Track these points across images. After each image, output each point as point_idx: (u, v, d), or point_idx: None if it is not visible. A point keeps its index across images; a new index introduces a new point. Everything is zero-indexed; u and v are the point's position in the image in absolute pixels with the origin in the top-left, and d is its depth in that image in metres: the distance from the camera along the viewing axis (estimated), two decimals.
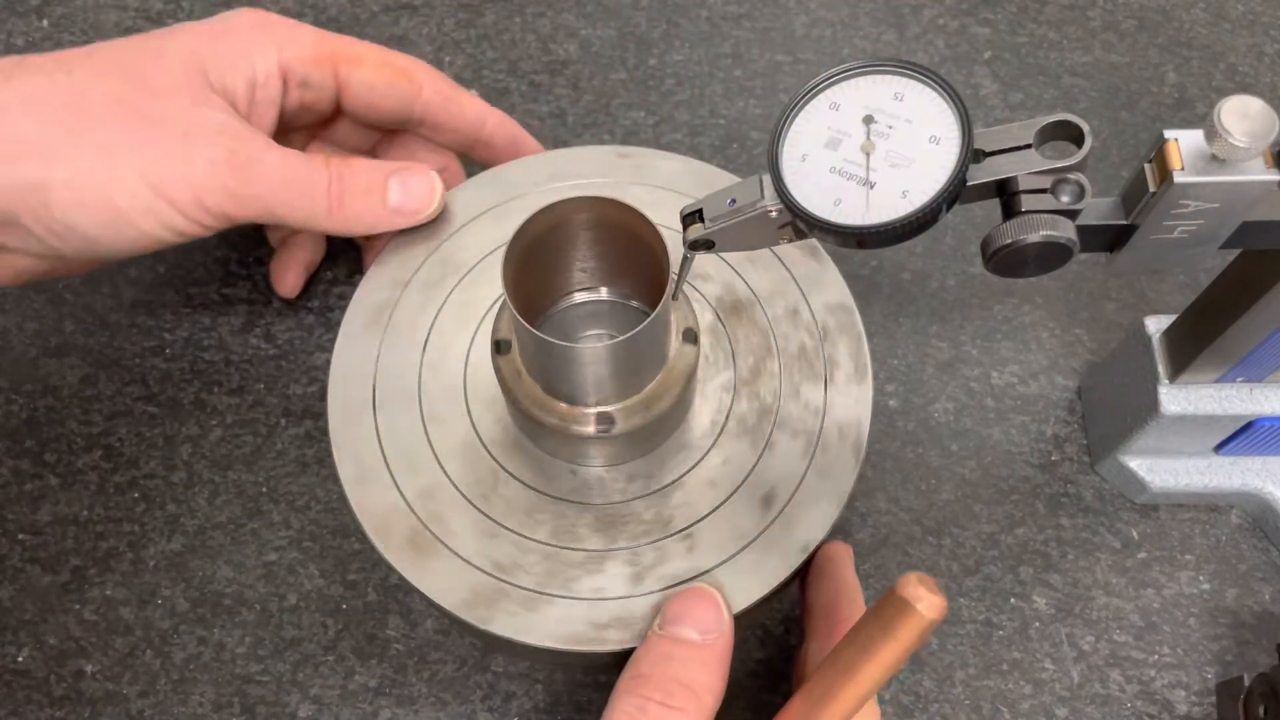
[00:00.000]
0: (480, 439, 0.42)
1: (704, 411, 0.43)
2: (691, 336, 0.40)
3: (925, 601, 0.29)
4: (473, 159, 0.52)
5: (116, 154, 0.40)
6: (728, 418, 0.43)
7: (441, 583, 0.39)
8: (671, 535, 0.41)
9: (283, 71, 0.45)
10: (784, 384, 0.43)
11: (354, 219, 0.44)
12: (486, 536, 0.40)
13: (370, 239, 0.53)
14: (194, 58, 0.43)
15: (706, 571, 0.40)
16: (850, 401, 0.43)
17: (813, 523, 0.41)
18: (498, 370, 0.40)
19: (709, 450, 0.42)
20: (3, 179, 0.39)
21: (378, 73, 0.47)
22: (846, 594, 0.40)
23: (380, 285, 0.45)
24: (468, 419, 0.43)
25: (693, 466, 0.42)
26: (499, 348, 0.40)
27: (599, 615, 0.39)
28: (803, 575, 0.41)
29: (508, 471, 0.42)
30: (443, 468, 0.41)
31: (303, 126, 0.50)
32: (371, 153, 0.54)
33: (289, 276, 0.54)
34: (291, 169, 0.42)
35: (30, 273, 0.44)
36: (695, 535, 0.41)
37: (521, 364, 0.40)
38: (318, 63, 0.46)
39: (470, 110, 0.50)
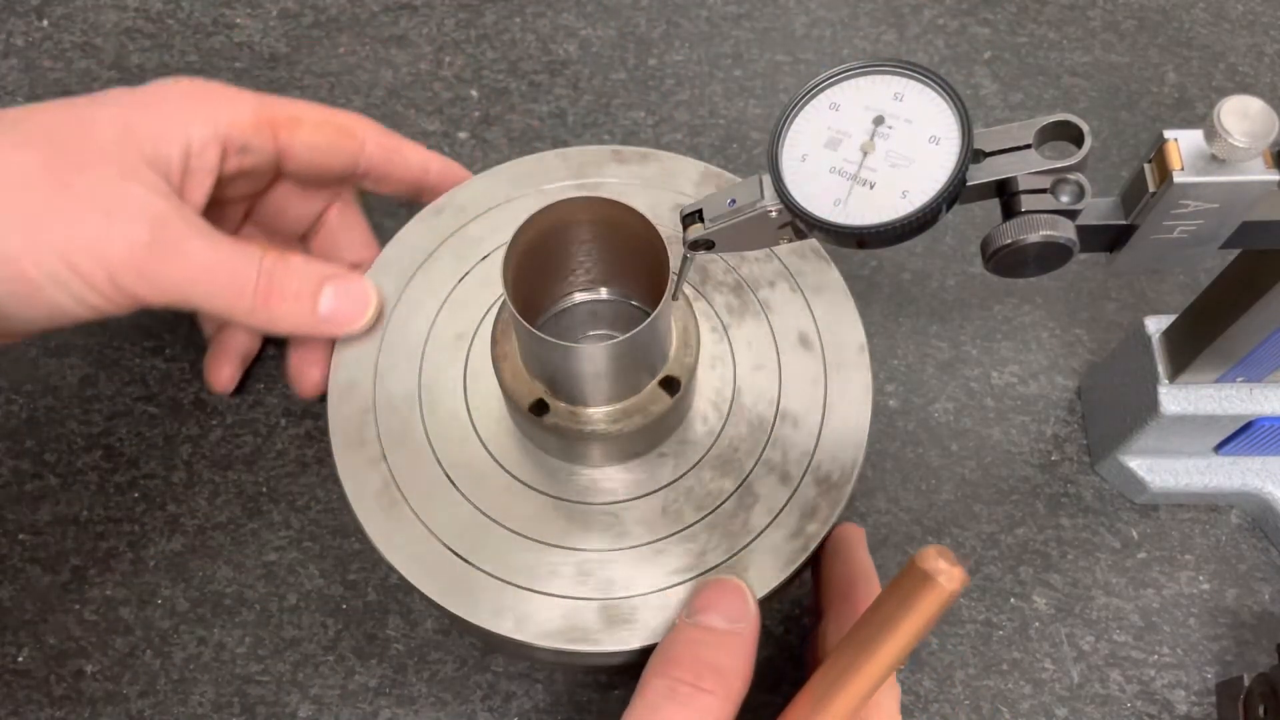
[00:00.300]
0: (571, 502, 0.42)
1: (703, 331, 0.44)
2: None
3: (945, 574, 0.29)
4: (420, 204, 0.51)
5: (34, 226, 0.38)
6: (719, 315, 0.45)
7: (652, 628, 0.39)
8: (775, 425, 0.43)
9: (221, 139, 0.43)
10: (726, 258, 0.46)
11: (278, 320, 0.42)
12: (646, 564, 0.41)
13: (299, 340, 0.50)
14: (126, 128, 0.41)
15: (818, 442, 0.42)
16: None
17: (846, 328, 0.44)
18: (562, 432, 0.40)
19: (731, 348, 0.44)
20: None
21: (319, 132, 0.46)
22: (862, 573, 0.40)
23: (357, 469, 0.42)
24: (542, 498, 0.42)
25: (735, 372, 0.44)
26: (539, 410, 0.40)
27: (792, 521, 0.41)
28: (816, 559, 0.41)
29: (610, 507, 0.42)
30: (569, 547, 0.41)
31: (241, 197, 0.48)
32: (314, 227, 0.51)
33: (224, 371, 0.51)
34: (216, 259, 0.40)
35: None
36: (786, 411, 0.43)
37: (569, 408, 0.40)
38: (257, 128, 0.44)
39: (413, 159, 0.49)
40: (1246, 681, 0.46)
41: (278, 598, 0.50)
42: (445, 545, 0.41)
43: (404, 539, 0.41)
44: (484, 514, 0.41)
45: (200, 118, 0.43)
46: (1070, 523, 0.52)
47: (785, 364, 0.44)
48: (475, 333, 0.45)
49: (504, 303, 0.39)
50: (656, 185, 0.48)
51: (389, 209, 0.59)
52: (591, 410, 0.40)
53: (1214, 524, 0.52)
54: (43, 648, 0.48)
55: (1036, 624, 0.50)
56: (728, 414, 0.43)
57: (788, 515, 0.41)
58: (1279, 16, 0.66)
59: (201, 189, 0.43)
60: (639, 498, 0.42)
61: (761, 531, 0.41)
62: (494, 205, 0.48)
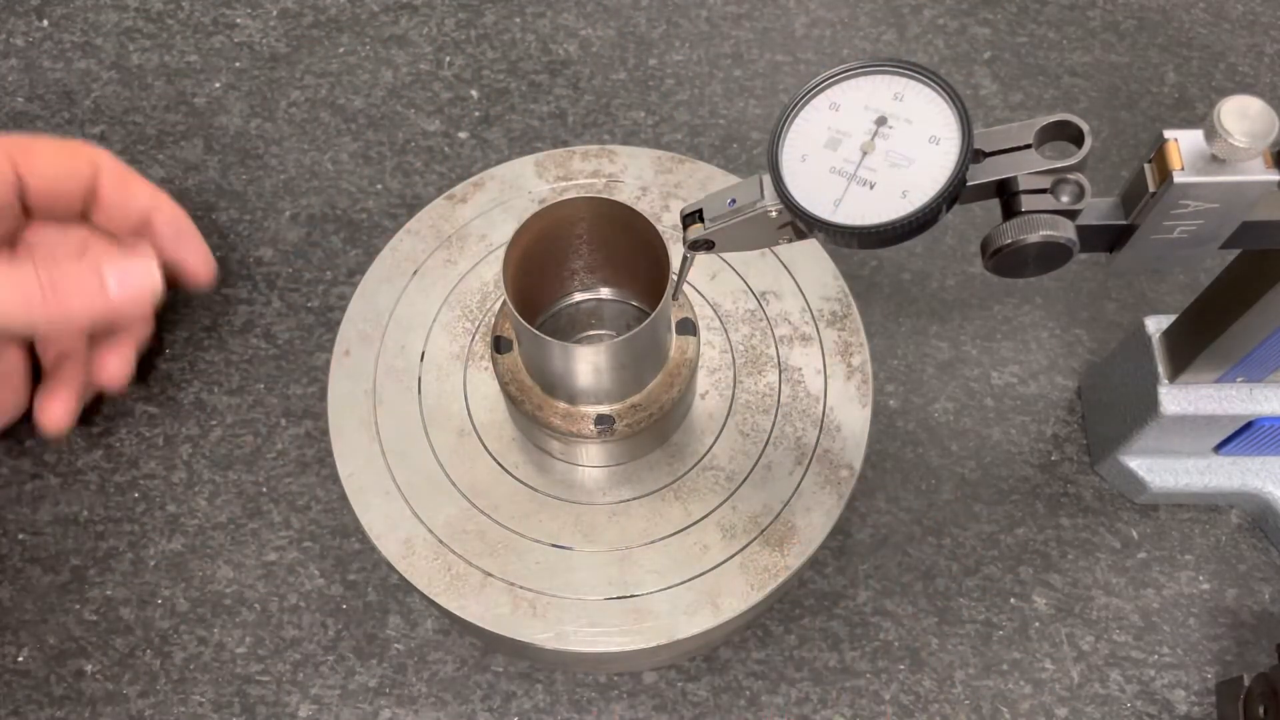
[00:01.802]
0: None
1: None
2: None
3: None
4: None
5: None
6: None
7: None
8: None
9: None
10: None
11: (75, 311, 0.43)
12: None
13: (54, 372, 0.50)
14: None
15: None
16: None
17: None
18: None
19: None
20: None
21: (55, 158, 0.47)
22: None
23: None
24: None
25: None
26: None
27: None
28: None
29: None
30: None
31: None
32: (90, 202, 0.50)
33: (54, 406, 0.49)
34: (6, 280, 0.41)
35: None
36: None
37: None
38: None
39: (143, 194, 0.49)
40: (1246, 681, 0.46)
41: (278, 598, 0.50)
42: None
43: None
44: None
45: None
46: (1070, 523, 0.52)
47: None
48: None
49: (504, 303, 0.39)
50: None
51: (388, 209, 0.59)
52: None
53: (1214, 524, 0.52)
54: (43, 648, 0.48)
55: (1036, 624, 0.50)
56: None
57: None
58: (1279, 16, 0.66)
59: None
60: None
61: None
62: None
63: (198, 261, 0.51)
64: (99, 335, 0.49)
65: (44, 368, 0.51)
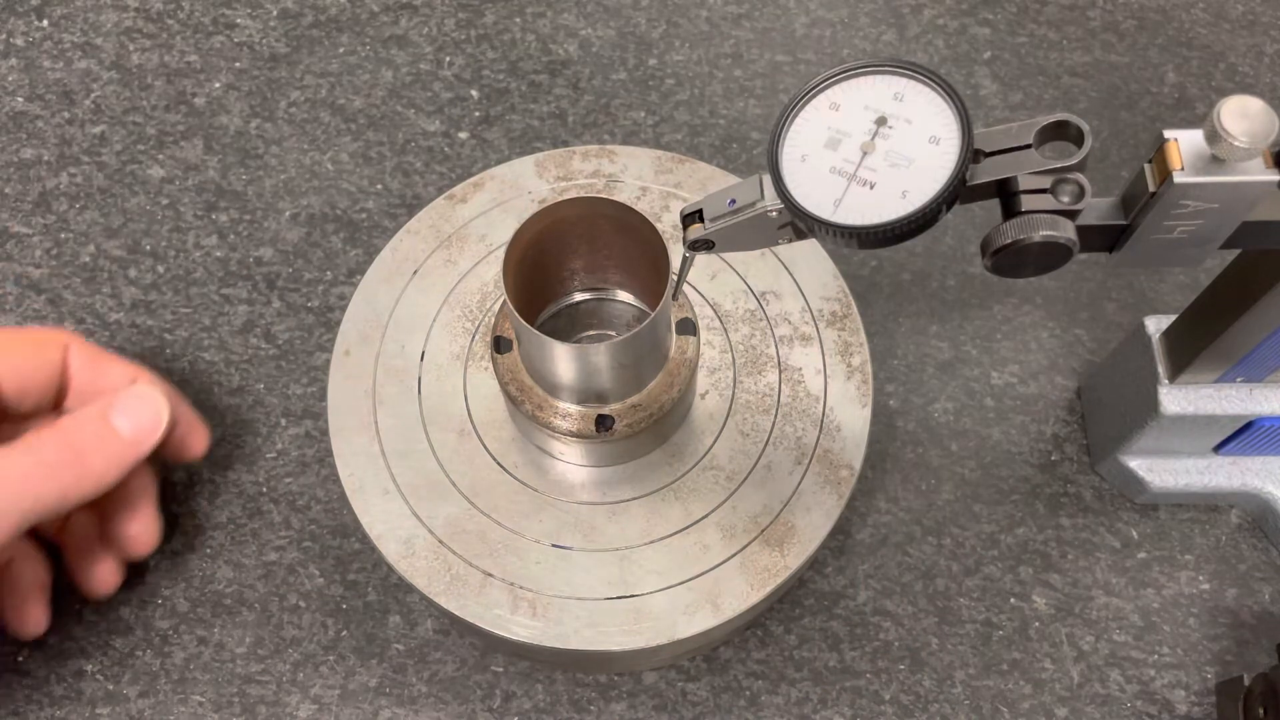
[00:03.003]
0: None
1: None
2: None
3: None
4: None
5: None
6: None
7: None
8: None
9: None
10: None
11: (101, 471, 0.40)
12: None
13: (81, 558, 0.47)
14: None
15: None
16: None
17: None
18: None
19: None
20: None
21: (22, 350, 0.43)
22: None
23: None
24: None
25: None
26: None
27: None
28: None
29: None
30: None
31: None
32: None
33: (32, 612, 0.46)
34: (25, 463, 0.38)
35: None
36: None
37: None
38: None
39: (116, 372, 0.45)
40: (1246, 681, 0.46)
41: (278, 598, 0.50)
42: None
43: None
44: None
45: None
46: (1070, 523, 0.52)
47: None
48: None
49: (504, 303, 0.39)
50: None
51: (388, 209, 0.59)
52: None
53: (1214, 524, 0.52)
54: (43, 648, 0.48)
55: (1036, 624, 0.50)
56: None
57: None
58: (1279, 16, 0.66)
59: None
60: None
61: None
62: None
63: (190, 431, 0.47)
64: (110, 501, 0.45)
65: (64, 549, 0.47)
